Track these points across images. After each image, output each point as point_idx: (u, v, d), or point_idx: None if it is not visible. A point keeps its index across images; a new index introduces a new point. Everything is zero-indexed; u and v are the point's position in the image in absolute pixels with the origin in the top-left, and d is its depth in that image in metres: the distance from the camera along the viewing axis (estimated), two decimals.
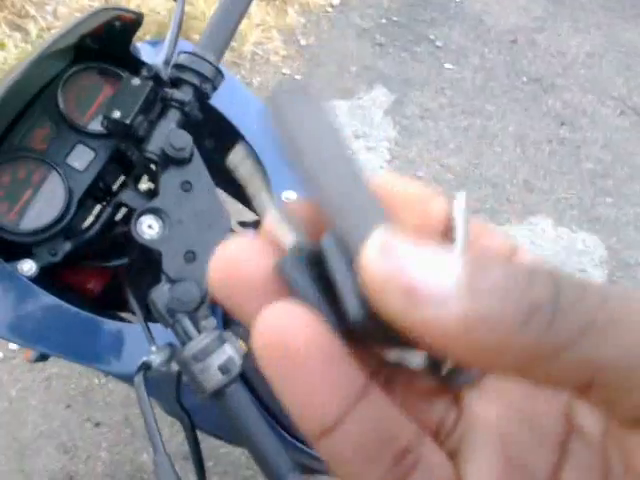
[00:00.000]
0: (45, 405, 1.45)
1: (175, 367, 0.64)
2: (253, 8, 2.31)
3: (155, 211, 0.67)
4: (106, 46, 0.75)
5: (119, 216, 0.82)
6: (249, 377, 0.71)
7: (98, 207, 0.80)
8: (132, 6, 1.88)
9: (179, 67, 0.70)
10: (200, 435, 0.70)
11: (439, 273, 0.13)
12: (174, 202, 0.67)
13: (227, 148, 0.75)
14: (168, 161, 0.67)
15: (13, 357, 1.52)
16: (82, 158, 0.74)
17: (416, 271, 0.14)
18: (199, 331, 0.63)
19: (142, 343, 0.71)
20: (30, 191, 0.70)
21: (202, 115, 0.73)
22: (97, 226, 0.77)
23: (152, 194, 0.78)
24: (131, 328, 0.74)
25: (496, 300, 0.13)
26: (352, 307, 0.16)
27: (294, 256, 0.17)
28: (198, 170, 0.69)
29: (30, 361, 0.90)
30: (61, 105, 0.73)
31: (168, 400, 0.65)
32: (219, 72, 0.71)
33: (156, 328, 0.72)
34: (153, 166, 0.72)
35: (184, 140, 0.66)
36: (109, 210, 0.77)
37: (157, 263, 0.68)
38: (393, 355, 0.17)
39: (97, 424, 1.44)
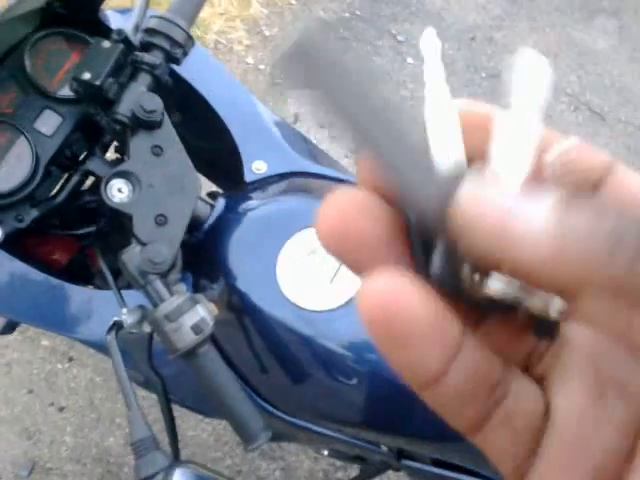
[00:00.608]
0: (6, 390, 1.42)
1: (146, 329, 0.64)
2: None
3: (125, 174, 0.67)
4: (74, 11, 0.74)
5: (86, 186, 0.81)
6: (219, 340, 0.71)
7: (65, 176, 0.79)
8: None
9: (149, 31, 0.69)
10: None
11: (529, 208, 0.15)
12: (144, 166, 0.67)
13: (195, 123, 0.76)
14: (138, 124, 0.67)
15: None
16: (49, 123, 0.73)
17: (507, 208, 0.15)
18: (171, 294, 0.64)
19: (112, 309, 0.70)
20: None
21: (171, 81, 0.73)
22: (64, 194, 0.76)
23: (119, 163, 0.77)
24: (101, 294, 0.73)
25: (584, 232, 0.14)
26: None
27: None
28: (168, 135, 0.69)
29: None
30: (28, 69, 0.72)
31: (139, 366, 0.65)
32: (190, 37, 0.71)
33: (126, 296, 0.72)
34: (123, 131, 0.72)
35: (155, 103, 0.66)
36: (76, 178, 0.77)
37: (127, 230, 0.68)
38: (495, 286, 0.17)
39: (61, 409, 1.42)
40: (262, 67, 2.27)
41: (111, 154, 0.83)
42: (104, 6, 0.77)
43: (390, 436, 0.71)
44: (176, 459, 0.59)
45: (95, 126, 0.75)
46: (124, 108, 0.67)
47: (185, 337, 0.61)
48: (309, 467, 1.48)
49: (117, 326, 0.61)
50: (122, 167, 0.67)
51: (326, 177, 0.81)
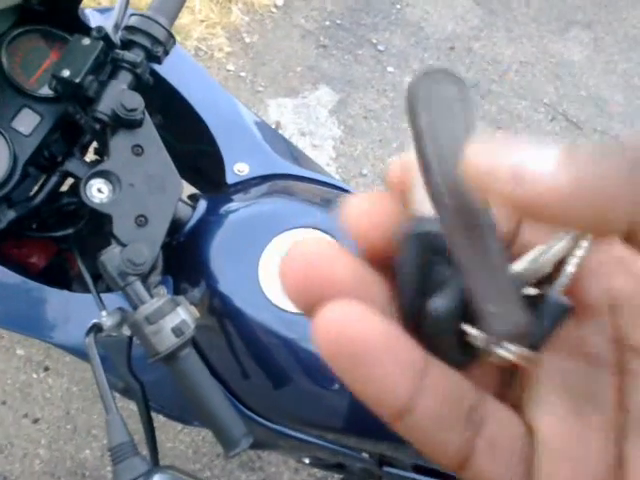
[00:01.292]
0: None
1: (126, 332, 0.63)
2: (197, 4, 2.30)
3: (105, 174, 0.66)
4: (53, 9, 0.73)
5: (65, 188, 0.79)
6: (200, 344, 0.70)
7: (43, 178, 0.77)
8: None
9: (130, 29, 0.68)
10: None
11: (539, 153, 0.15)
12: (125, 165, 0.66)
13: (176, 125, 0.75)
14: (119, 123, 0.66)
15: None
16: (27, 122, 0.71)
17: (518, 155, 0.15)
18: (151, 296, 0.62)
19: (90, 313, 0.69)
20: None
21: (152, 80, 0.72)
22: (42, 195, 0.74)
23: (99, 164, 0.76)
24: (79, 297, 0.71)
25: (597, 163, 0.15)
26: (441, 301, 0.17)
27: (415, 230, 0.18)
28: (149, 134, 0.68)
29: None
30: (5, 67, 0.71)
31: (118, 371, 0.63)
32: (171, 36, 0.71)
33: (105, 299, 0.70)
34: (102, 130, 0.70)
35: (136, 101, 0.65)
36: (54, 179, 0.75)
37: (106, 231, 0.66)
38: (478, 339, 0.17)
39: (35, 420, 1.38)
40: (243, 74, 2.26)
41: (90, 156, 0.82)
42: (83, 4, 0.76)
43: (372, 442, 0.70)
44: (155, 464, 0.58)
45: (74, 126, 0.74)
46: (104, 106, 0.65)
47: (165, 340, 0.59)
48: (289, 478, 1.46)
49: (96, 328, 0.60)
50: (102, 167, 0.65)
51: (308, 179, 0.81)
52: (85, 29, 0.74)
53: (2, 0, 0.67)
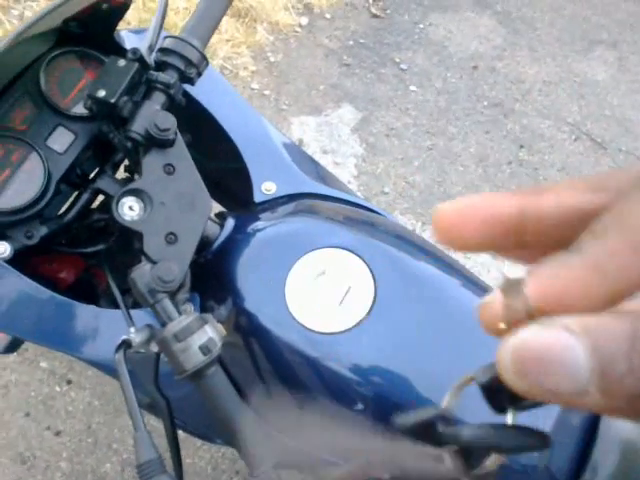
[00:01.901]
0: (2, 413, 1.39)
1: (154, 349, 0.63)
2: (223, 24, 2.34)
3: (137, 192, 0.67)
4: (90, 31, 0.75)
5: (96, 204, 0.81)
6: (226, 362, 0.70)
7: (75, 195, 0.79)
8: None
9: (164, 51, 0.70)
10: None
11: (573, 366, 0.19)
12: (156, 184, 0.67)
13: (205, 143, 0.76)
14: (151, 143, 0.67)
15: None
16: (62, 140, 0.73)
17: (542, 358, 0.19)
18: (179, 313, 0.63)
19: (118, 329, 0.70)
20: (8, 171, 0.69)
21: (184, 101, 0.74)
22: (74, 211, 0.76)
23: (129, 182, 0.77)
24: (107, 313, 0.72)
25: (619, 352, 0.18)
26: None
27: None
28: (181, 153, 0.69)
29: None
30: (43, 87, 0.73)
31: (144, 388, 0.64)
32: (204, 58, 0.72)
33: (133, 315, 0.71)
34: (135, 149, 0.72)
35: (169, 121, 0.66)
36: (86, 196, 0.77)
37: (137, 249, 0.67)
38: None
39: (57, 433, 1.39)
40: (267, 92, 2.29)
41: (121, 174, 0.83)
42: (119, 27, 0.78)
43: None
44: None
45: (106, 145, 0.76)
46: (138, 126, 0.67)
47: (193, 358, 0.60)
48: None
49: (125, 345, 0.60)
50: (134, 185, 0.67)
51: (334, 199, 0.81)
52: (120, 50, 0.76)
53: (42, 23, 0.69)
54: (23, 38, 0.66)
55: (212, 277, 0.75)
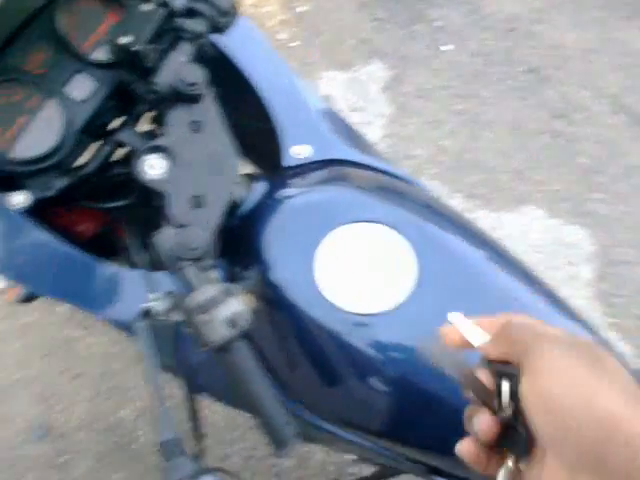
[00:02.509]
0: (21, 353, 1.39)
1: (175, 318, 0.60)
2: None
3: (160, 150, 0.62)
4: None
5: (116, 158, 0.76)
6: (251, 335, 0.67)
7: (96, 146, 0.74)
8: None
9: None
10: None
11: None
12: (181, 142, 0.62)
13: (232, 97, 0.69)
14: (177, 97, 0.62)
15: None
16: (82, 88, 0.68)
17: None
18: (205, 282, 0.59)
19: (139, 290, 0.66)
20: (25, 118, 0.64)
21: (213, 52, 0.68)
22: (94, 164, 0.71)
23: (152, 136, 0.72)
24: (128, 273, 0.69)
25: None
26: None
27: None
28: (209, 110, 0.64)
29: (16, 302, 0.83)
30: (60, 29, 0.67)
31: (164, 354, 0.61)
32: (235, 6, 0.66)
33: (155, 278, 0.67)
34: (159, 103, 0.66)
35: (196, 75, 0.61)
36: (107, 148, 0.72)
37: (157, 208, 0.63)
38: None
39: (76, 376, 1.39)
40: (294, 44, 2.20)
41: (144, 125, 0.78)
42: None
43: (425, 454, 0.66)
44: (202, 465, 0.55)
45: (130, 94, 0.70)
46: (163, 79, 0.61)
47: (218, 331, 0.56)
48: (322, 458, 1.45)
49: (145, 313, 0.56)
50: (157, 141, 0.62)
51: (371, 167, 0.76)
52: None
53: None
54: None
55: (239, 243, 0.71)
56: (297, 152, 0.76)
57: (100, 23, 0.70)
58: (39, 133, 0.65)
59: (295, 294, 0.64)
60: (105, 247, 0.83)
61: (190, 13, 0.65)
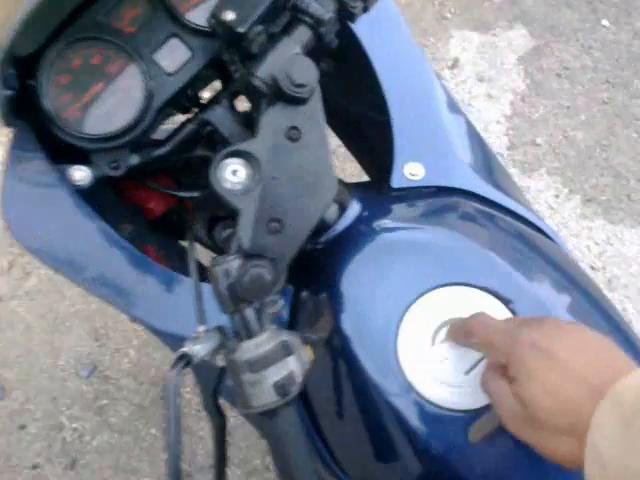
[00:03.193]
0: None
1: (220, 363, 0.51)
2: None
3: (246, 155, 0.51)
4: None
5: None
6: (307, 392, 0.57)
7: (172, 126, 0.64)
8: None
9: None
10: None
11: None
12: (273, 151, 0.51)
13: (345, 78, 0.52)
14: (278, 96, 0.50)
15: None
16: (174, 57, 0.57)
17: None
18: (262, 324, 0.49)
19: (190, 304, 0.57)
20: (102, 85, 0.55)
21: (337, 43, 0.55)
22: (173, 143, 0.61)
23: (249, 123, 0.61)
24: (182, 282, 0.60)
25: None
26: None
27: None
28: (313, 116, 0.52)
29: None
30: None
31: (202, 396, 0.52)
32: None
33: (206, 288, 0.59)
34: (256, 97, 0.55)
35: (309, 75, 0.48)
36: (191, 127, 0.62)
37: (232, 214, 0.53)
38: None
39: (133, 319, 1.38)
40: None
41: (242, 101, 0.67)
42: None
43: None
44: None
45: (228, 71, 0.59)
46: (265, 71, 0.49)
47: (264, 395, 0.47)
48: None
49: (184, 360, 0.47)
50: (244, 146, 0.50)
51: (502, 208, 0.62)
52: None
53: None
54: None
55: (315, 268, 0.60)
56: (412, 172, 0.63)
57: None
58: (115, 105, 0.55)
59: (368, 357, 0.53)
60: (175, 226, 0.75)
61: None
